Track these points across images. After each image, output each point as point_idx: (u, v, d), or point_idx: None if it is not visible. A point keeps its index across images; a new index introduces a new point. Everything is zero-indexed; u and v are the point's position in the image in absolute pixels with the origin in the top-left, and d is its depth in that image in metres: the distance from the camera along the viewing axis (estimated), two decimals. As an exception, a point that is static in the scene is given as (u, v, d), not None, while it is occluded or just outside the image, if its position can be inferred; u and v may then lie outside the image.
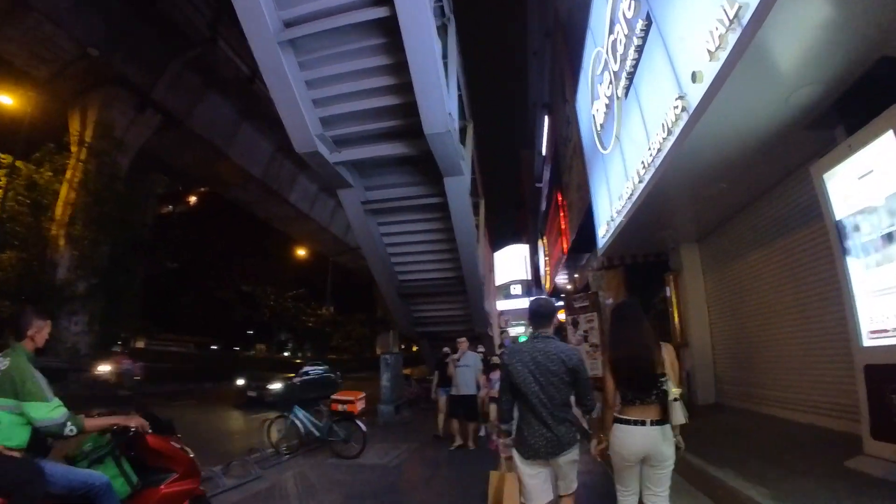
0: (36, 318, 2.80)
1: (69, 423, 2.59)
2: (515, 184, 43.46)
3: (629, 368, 2.71)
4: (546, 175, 21.43)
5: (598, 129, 8.97)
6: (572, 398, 2.92)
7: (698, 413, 7.47)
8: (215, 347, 44.95)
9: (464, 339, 8.91)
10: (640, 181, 6.75)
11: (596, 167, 9.59)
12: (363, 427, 7.59)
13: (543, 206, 24.34)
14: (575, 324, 9.61)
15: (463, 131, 14.15)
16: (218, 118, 28.78)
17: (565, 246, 15.17)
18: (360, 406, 8.07)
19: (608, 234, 8.89)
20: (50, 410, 2.55)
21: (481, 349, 10.71)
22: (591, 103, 9.34)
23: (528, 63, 24.79)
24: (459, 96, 14.62)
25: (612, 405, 2.80)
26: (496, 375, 7.36)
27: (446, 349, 10.24)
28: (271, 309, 40.97)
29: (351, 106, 9.16)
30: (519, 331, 40.22)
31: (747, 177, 6.02)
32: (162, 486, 2.98)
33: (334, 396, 8.38)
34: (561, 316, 25.89)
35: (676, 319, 8.78)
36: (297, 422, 7.67)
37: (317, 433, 7.61)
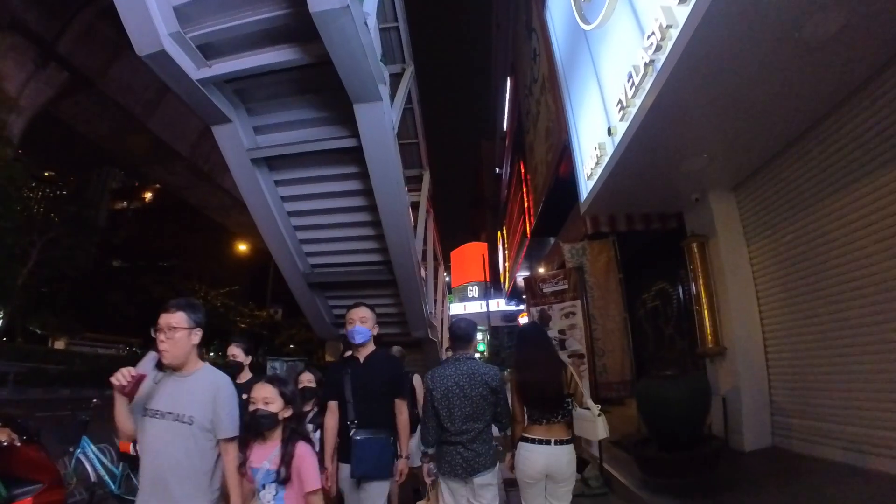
0: None
1: None
2: (473, 178, 40.50)
3: (537, 391, 2.75)
4: (507, 159, 18.21)
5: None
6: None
7: (743, 467, 4.64)
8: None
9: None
10: (650, 65, 3.70)
11: (578, 74, 6.16)
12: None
13: (504, 195, 21.10)
14: (544, 320, 5.71)
15: (398, 76, 10.66)
16: (137, 83, 24.47)
17: (529, 228, 11.83)
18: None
19: (595, 178, 5.45)
20: None
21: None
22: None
23: (491, 40, 22.48)
24: (396, 28, 11.19)
25: (521, 422, 2.82)
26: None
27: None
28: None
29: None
30: (476, 337, 36.75)
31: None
32: (30, 499, 2.93)
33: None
34: (526, 319, 22.88)
35: (704, 312, 5.37)
36: (86, 463, 5.13)
37: (112, 486, 4.99)
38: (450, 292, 35.12)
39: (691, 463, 4.27)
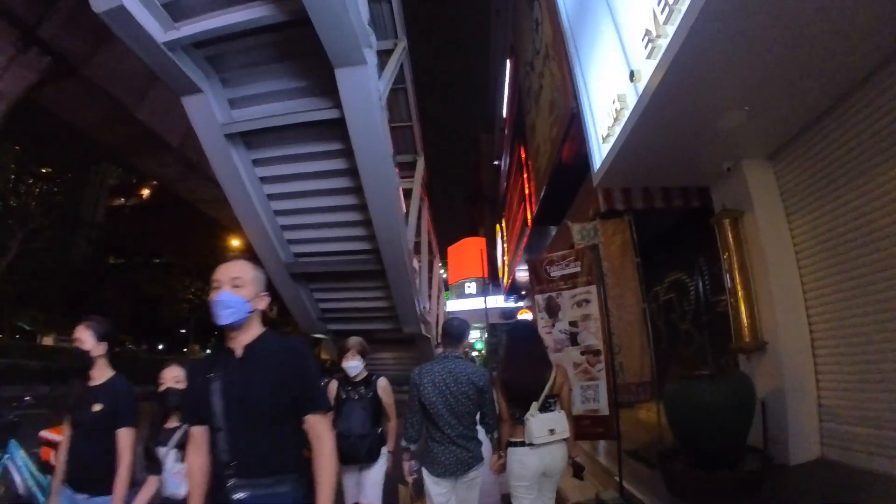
0: None
1: None
2: (472, 174, 39.69)
3: (521, 390, 2.74)
4: (506, 148, 17.36)
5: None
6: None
7: (789, 485, 3.91)
8: (132, 347, 39.40)
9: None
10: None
11: (588, 24, 5.30)
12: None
13: (503, 188, 20.27)
14: (552, 311, 4.87)
15: (390, 52, 9.89)
16: (124, 70, 23.56)
17: (529, 216, 10.99)
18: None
19: (613, 139, 4.60)
20: None
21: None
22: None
23: (490, 29, 21.82)
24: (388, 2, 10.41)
25: (508, 421, 2.80)
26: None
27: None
28: (190, 302, 35.69)
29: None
30: (474, 335, 35.80)
31: None
32: None
33: (46, 433, 4.73)
34: (526, 317, 21.98)
35: (739, 301, 4.54)
36: (15, 472, 4.37)
37: (41, 501, 4.21)
38: (447, 289, 34.28)
39: (732, 483, 3.45)
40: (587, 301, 4.63)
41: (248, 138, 8.75)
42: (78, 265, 37.99)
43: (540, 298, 5.02)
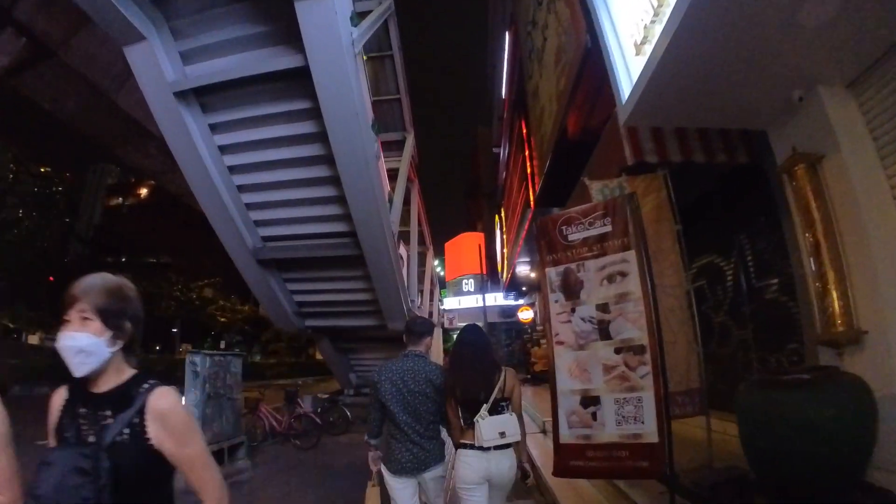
0: None
1: None
2: (469, 169, 38.51)
3: (470, 394, 2.70)
4: (505, 132, 16.13)
5: None
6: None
7: None
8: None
9: None
10: None
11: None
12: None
13: (502, 177, 19.04)
14: (570, 289, 3.43)
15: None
16: (103, 54, 22.36)
17: (532, 196, 9.74)
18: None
19: (651, 47, 3.33)
20: None
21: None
22: None
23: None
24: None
25: (456, 426, 2.77)
26: None
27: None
28: (176, 301, 34.35)
29: None
30: None
31: None
32: None
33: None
34: (527, 314, 20.74)
35: (826, 277, 3.26)
36: None
37: None
38: (444, 286, 32.96)
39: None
40: (622, 275, 3.21)
41: (204, 99, 7.52)
42: (67, 261, 36.93)
43: (553, 273, 3.56)
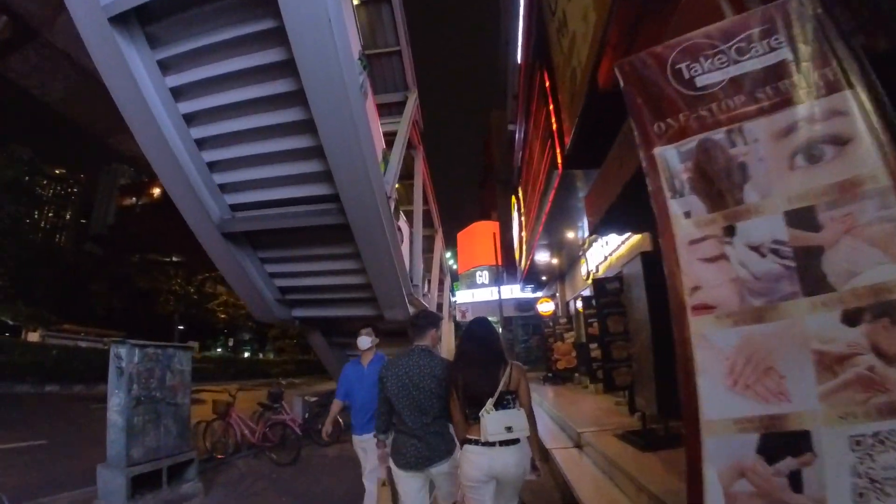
0: None
1: None
2: (483, 153, 36.75)
3: (473, 387, 2.61)
4: (521, 104, 14.36)
5: None
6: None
7: None
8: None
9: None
10: None
11: None
12: None
13: (518, 158, 17.28)
14: (720, 188, 1.71)
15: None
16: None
17: (560, 156, 8.00)
18: None
19: None
20: None
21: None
22: None
23: None
24: None
25: (460, 422, 2.68)
26: None
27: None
28: (175, 295, 33.02)
29: None
30: None
31: None
32: None
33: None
34: (547, 306, 18.90)
35: None
36: None
37: None
38: (456, 279, 31.18)
39: None
40: (837, 141, 1.52)
41: (150, 28, 5.96)
42: (80, 260, 36.18)
43: (673, 155, 1.87)
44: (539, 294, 20.38)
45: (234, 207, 7.39)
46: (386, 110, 10.11)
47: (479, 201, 39.87)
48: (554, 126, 8.36)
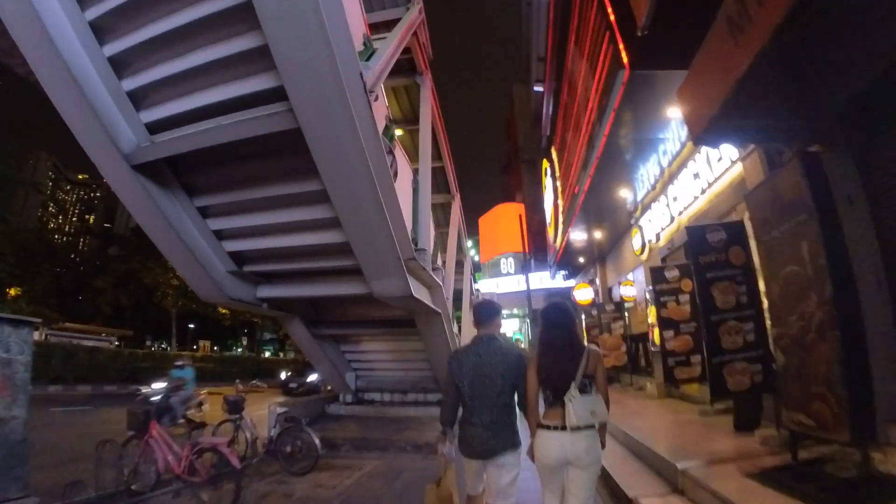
0: None
1: None
2: (506, 133, 34.10)
3: (552, 374, 2.57)
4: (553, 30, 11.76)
5: None
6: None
7: None
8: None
9: None
10: None
11: None
12: None
13: (544, 119, 14.69)
14: None
15: None
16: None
17: (624, 53, 5.46)
18: None
19: None
20: None
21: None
22: None
23: None
24: None
25: (534, 407, 2.64)
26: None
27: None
28: (175, 290, 31.30)
29: None
30: (512, 327, 29.50)
31: None
32: None
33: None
34: (584, 293, 16.18)
35: None
36: None
37: None
38: (478, 270, 28.48)
39: None
40: None
41: None
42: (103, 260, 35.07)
43: None
44: (572, 282, 17.69)
45: (153, 128, 5.07)
46: (382, 28, 7.69)
47: (501, 188, 37.08)
48: (611, 16, 5.81)
